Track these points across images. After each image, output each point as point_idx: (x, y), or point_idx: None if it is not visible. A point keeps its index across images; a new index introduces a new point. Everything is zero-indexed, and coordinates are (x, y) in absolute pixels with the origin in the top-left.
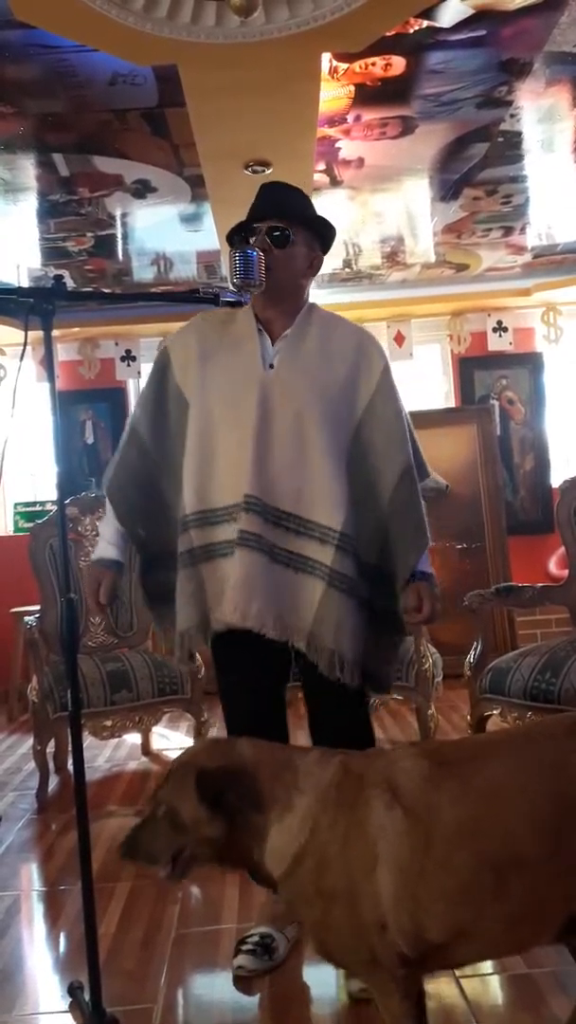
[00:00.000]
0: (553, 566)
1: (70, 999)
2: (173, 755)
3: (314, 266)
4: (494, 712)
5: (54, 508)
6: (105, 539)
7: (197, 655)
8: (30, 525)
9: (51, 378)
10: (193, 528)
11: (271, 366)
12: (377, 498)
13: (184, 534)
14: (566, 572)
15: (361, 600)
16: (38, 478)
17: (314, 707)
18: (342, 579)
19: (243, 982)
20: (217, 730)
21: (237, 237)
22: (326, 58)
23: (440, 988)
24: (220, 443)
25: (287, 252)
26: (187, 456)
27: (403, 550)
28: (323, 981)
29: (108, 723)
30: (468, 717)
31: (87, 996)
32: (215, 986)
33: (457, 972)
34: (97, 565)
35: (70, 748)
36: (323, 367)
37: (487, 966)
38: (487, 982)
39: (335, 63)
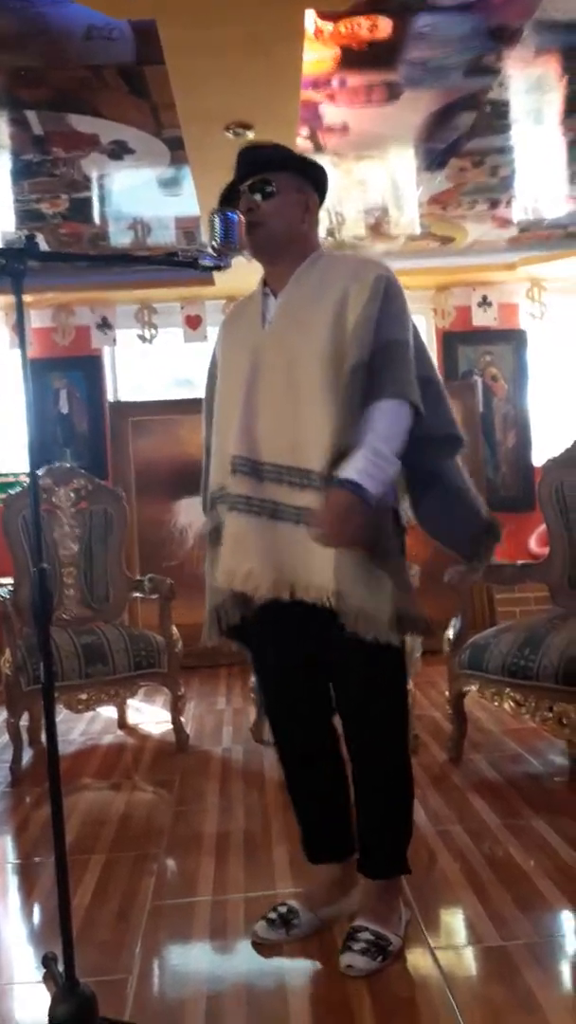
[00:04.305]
0: (534, 544)
1: (44, 970)
2: (149, 729)
3: (310, 209)
4: (472, 688)
5: (27, 478)
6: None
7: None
8: (2, 496)
9: (22, 344)
10: (219, 504)
11: (270, 323)
12: None
13: (212, 511)
14: (546, 550)
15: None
16: (10, 448)
17: (338, 673)
18: None
19: (258, 948)
20: (194, 705)
21: (226, 205)
22: (311, 18)
23: (415, 960)
24: (229, 412)
25: (274, 203)
26: (212, 434)
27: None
28: (304, 955)
29: (83, 696)
30: (447, 693)
31: (61, 967)
32: (190, 957)
33: (432, 944)
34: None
35: (43, 721)
36: (316, 307)
37: (462, 939)
38: (461, 954)
39: (320, 23)
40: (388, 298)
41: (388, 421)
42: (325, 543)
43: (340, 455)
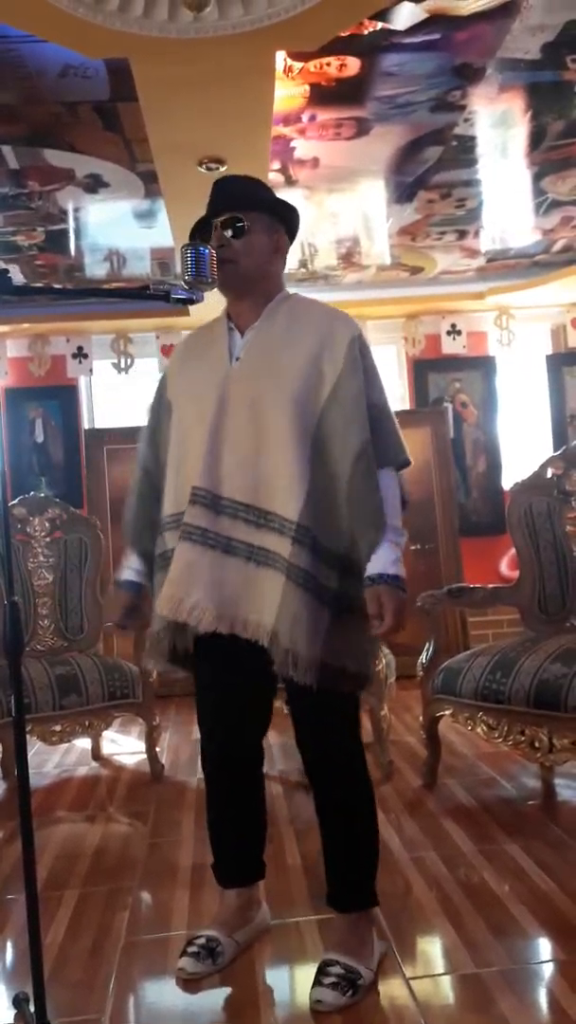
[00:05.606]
0: (504, 567)
1: (15, 1011)
2: (124, 760)
3: (280, 249)
4: (446, 713)
5: None
6: (125, 563)
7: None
8: None
9: None
10: (168, 530)
11: (237, 359)
12: (337, 486)
13: (160, 537)
14: (517, 573)
15: (323, 594)
16: None
17: (294, 709)
18: (299, 573)
19: (187, 984)
20: (169, 735)
21: (198, 236)
22: (281, 56)
23: (390, 991)
24: (190, 443)
25: (246, 241)
26: (168, 460)
27: (360, 543)
28: (279, 987)
29: (57, 728)
30: (421, 718)
31: (32, 1008)
32: (164, 994)
33: (408, 973)
34: (116, 587)
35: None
36: (286, 352)
37: (439, 966)
38: (437, 982)
39: (290, 62)
40: (364, 360)
41: (392, 493)
42: (386, 635)
43: (317, 513)
